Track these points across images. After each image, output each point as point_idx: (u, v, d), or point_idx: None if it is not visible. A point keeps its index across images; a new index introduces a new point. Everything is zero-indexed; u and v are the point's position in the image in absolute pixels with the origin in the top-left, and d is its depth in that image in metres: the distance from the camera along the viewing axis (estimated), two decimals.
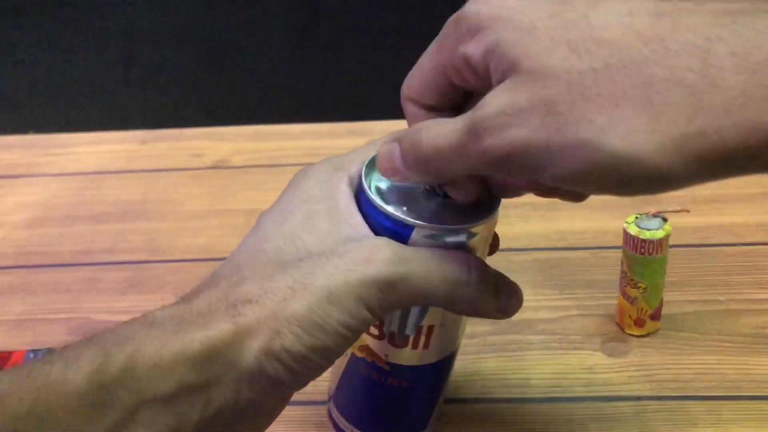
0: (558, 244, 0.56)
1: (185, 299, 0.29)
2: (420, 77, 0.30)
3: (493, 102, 0.25)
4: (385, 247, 0.28)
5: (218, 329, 0.26)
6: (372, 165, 0.32)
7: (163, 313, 0.28)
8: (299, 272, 0.27)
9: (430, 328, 0.33)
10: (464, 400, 0.43)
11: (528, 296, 0.51)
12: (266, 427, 0.30)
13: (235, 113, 0.81)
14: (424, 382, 0.36)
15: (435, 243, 0.30)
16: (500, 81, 0.25)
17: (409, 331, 0.33)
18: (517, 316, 0.49)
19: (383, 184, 0.32)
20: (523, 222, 0.59)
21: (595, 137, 0.23)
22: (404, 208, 0.30)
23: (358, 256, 0.28)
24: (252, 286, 0.28)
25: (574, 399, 0.43)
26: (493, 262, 0.54)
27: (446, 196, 0.31)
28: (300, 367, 0.27)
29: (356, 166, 0.32)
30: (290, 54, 0.81)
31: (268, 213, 0.32)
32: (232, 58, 0.82)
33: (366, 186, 0.31)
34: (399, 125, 0.74)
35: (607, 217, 0.58)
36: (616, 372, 0.45)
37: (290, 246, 0.29)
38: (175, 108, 0.85)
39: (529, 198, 0.61)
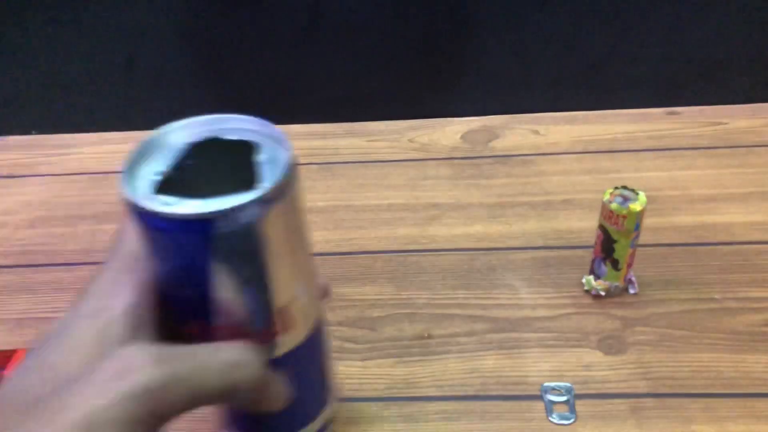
0: (555, 243, 0.56)
1: None
2: None
3: None
4: (136, 353, 0.24)
5: None
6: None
7: None
8: (48, 412, 0.23)
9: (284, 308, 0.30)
10: (463, 397, 0.44)
11: (526, 295, 0.52)
12: None
13: (236, 114, 0.81)
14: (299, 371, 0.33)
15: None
16: None
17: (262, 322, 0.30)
18: (515, 314, 0.50)
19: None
20: (520, 221, 0.59)
21: None
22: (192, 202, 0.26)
23: (108, 372, 0.24)
24: None
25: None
26: (493, 261, 0.55)
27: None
28: None
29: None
30: (291, 54, 0.82)
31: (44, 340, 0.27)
32: (233, 58, 0.83)
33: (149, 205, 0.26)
34: (398, 126, 0.73)
35: None
36: (613, 370, 0.45)
37: (50, 374, 0.25)
38: (176, 108, 0.85)
39: (527, 197, 0.62)
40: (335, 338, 0.49)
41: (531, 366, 0.46)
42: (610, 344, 0.47)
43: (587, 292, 0.51)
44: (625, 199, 0.46)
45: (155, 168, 0.28)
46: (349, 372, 0.47)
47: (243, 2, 0.78)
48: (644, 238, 0.56)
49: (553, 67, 0.79)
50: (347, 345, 0.49)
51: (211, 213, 0.25)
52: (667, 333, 0.47)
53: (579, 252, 0.55)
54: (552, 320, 0.49)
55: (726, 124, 0.71)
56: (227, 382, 0.26)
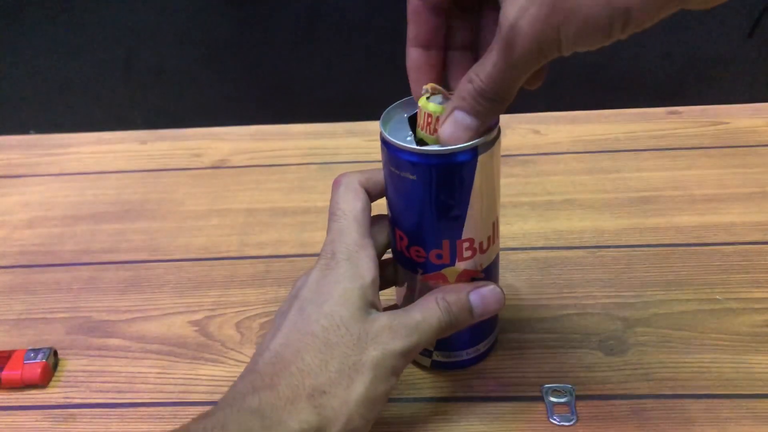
0: (556, 244, 0.56)
1: (267, 383, 0.35)
2: None
3: (509, 12, 0.29)
4: (398, 324, 0.37)
5: (307, 421, 0.34)
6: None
7: (258, 400, 0.34)
8: (349, 359, 0.35)
9: (496, 221, 0.40)
10: (462, 399, 0.44)
11: (526, 295, 0.52)
12: None
13: (235, 113, 0.81)
14: (495, 269, 0.43)
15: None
16: None
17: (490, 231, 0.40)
18: (515, 315, 0.50)
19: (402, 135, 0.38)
20: (521, 221, 0.59)
21: None
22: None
23: (385, 336, 0.36)
24: (321, 376, 0.35)
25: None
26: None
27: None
28: None
29: (378, 229, 0.41)
30: (290, 54, 0.82)
31: (308, 296, 0.38)
32: (232, 58, 0.83)
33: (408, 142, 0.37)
34: None
35: (604, 217, 0.59)
36: (614, 371, 0.45)
37: (331, 323, 0.36)
38: (175, 108, 0.85)
39: (528, 198, 0.62)
40: None
41: (532, 367, 0.45)
42: (611, 345, 0.47)
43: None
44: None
45: (405, 133, 0.38)
46: None
47: (243, 2, 0.78)
48: (645, 238, 0.56)
49: (553, 66, 0.78)
50: None
51: (477, 142, 0.35)
52: (669, 334, 0.47)
53: (580, 252, 0.55)
54: (553, 321, 0.49)
55: (727, 123, 0.71)
56: (451, 331, 0.39)
